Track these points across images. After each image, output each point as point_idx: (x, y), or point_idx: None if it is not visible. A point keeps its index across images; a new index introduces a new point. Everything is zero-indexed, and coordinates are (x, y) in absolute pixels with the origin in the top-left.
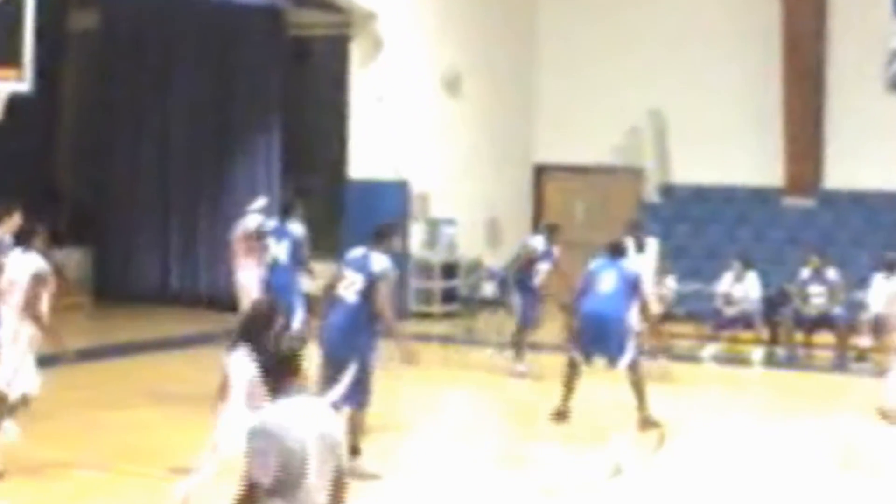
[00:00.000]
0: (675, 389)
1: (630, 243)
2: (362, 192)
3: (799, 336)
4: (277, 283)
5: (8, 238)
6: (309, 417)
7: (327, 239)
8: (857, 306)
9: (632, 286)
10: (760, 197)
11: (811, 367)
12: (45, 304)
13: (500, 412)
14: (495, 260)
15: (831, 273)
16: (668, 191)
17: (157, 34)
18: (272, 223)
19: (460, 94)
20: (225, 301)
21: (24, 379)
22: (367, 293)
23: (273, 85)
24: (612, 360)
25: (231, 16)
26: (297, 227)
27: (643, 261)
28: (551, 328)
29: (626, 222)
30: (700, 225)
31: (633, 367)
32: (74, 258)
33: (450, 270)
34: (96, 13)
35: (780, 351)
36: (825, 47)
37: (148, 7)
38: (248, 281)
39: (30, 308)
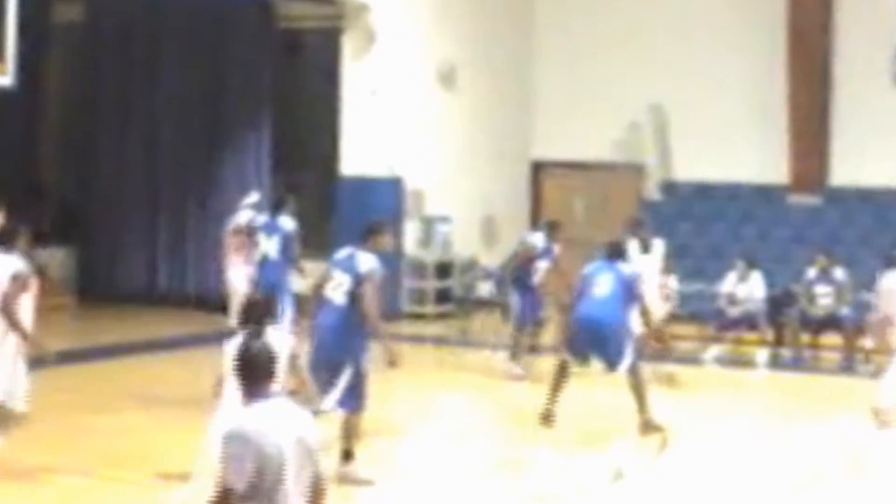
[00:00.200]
0: (677, 392)
1: (634, 244)
2: (355, 188)
3: (805, 337)
4: (267, 281)
5: None
6: (286, 422)
7: (318, 237)
8: (865, 307)
9: (629, 289)
10: (765, 194)
11: (818, 369)
12: (25, 307)
13: (496, 416)
14: (491, 259)
15: (838, 273)
16: (669, 188)
17: (144, 27)
18: (263, 218)
19: (456, 87)
20: (214, 301)
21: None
22: (356, 294)
23: (263, 79)
24: (611, 364)
25: (220, 8)
26: (287, 222)
27: (648, 262)
28: (549, 329)
29: (627, 221)
30: (703, 223)
31: (633, 371)
32: (58, 257)
33: (444, 270)
34: (81, 5)
35: (786, 353)
36: (832, 40)
37: None
38: (237, 278)
39: (6, 310)
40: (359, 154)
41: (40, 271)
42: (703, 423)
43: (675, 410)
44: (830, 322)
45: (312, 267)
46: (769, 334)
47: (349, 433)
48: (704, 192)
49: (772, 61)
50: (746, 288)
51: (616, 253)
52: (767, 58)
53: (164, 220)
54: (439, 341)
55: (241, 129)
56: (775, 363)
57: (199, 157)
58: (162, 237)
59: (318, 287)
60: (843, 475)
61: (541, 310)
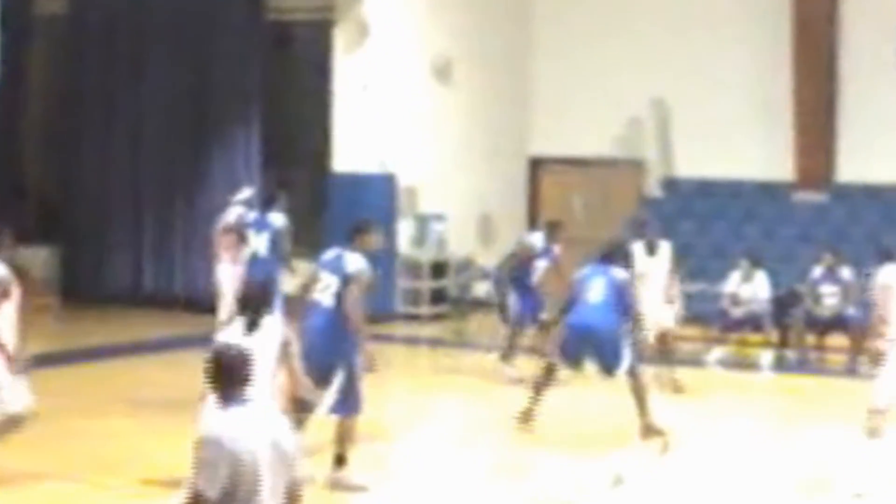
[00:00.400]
0: (679, 395)
1: (639, 246)
2: (347, 185)
3: (810, 338)
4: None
5: None
6: (261, 427)
7: (309, 235)
8: (872, 307)
9: (622, 294)
10: (769, 191)
11: (824, 371)
12: (5, 315)
13: (493, 419)
14: (488, 258)
15: (845, 272)
16: (671, 185)
17: (130, 19)
18: (252, 215)
19: (451, 81)
20: (202, 302)
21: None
22: (344, 295)
23: (252, 73)
24: (608, 368)
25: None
26: (278, 219)
27: (655, 265)
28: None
29: (630, 222)
30: (705, 221)
31: (632, 373)
32: (41, 257)
33: (439, 269)
34: None
35: (791, 354)
36: (838, 32)
37: None
38: (224, 278)
39: None
40: (351, 150)
41: (21, 274)
42: (706, 427)
43: (678, 413)
44: (837, 323)
45: (304, 266)
46: (774, 335)
47: (343, 437)
48: (707, 189)
49: (776, 54)
50: (750, 288)
51: (609, 256)
52: (771, 50)
53: (150, 219)
54: (434, 343)
55: (229, 124)
56: (780, 365)
57: (186, 154)
58: (148, 236)
59: (306, 289)
60: (849, 480)
61: (542, 311)
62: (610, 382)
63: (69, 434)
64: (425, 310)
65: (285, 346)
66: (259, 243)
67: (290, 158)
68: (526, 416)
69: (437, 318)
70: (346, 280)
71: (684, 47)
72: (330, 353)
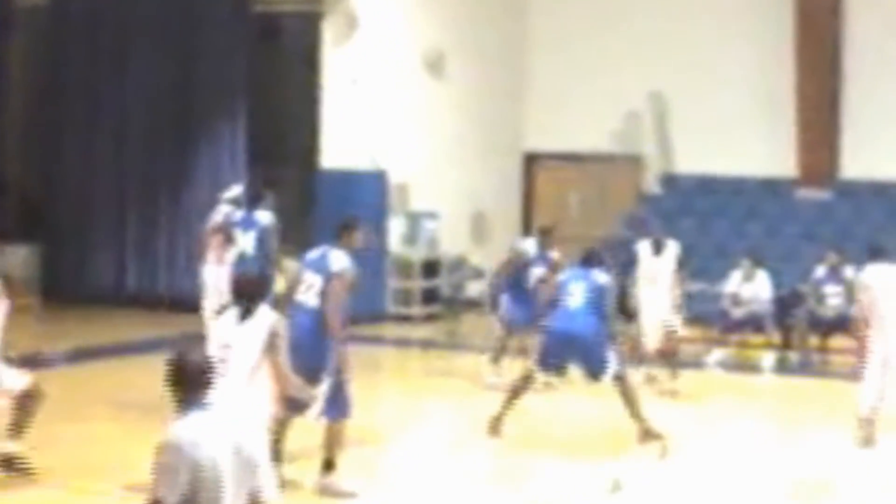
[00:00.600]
0: (678, 398)
1: (645, 245)
2: (336, 182)
3: (814, 340)
4: None
5: None
6: (223, 433)
7: (298, 234)
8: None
9: (602, 298)
10: (771, 188)
11: (827, 373)
12: None
13: (486, 424)
14: (481, 257)
15: (849, 271)
16: (670, 181)
17: (113, 11)
18: (240, 214)
19: (443, 75)
20: (187, 302)
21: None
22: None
23: (238, 67)
24: (594, 374)
25: None
26: (265, 216)
27: (660, 265)
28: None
29: (629, 220)
30: (706, 219)
31: (620, 379)
32: (21, 256)
33: (431, 269)
34: None
35: (793, 356)
36: (842, 25)
37: None
38: (209, 279)
39: None
40: (340, 146)
41: (6, 276)
42: (706, 431)
43: (677, 417)
44: (841, 324)
45: (292, 266)
46: (776, 337)
47: (332, 442)
48: (707, 185)
49: (779, 47)
50: (752, 288)
51: (591, 259)
52: (774, 43)
53: (133, 217)
54: (426, 345)
55: (214, 120)
56: (782, 367)
57: (170, 150)
58: (131, 234)
59: (291, 289)
60: (855, 484)
61: (535, 317)
62: (606, 386)
63: (51, 438)
64: (417, 310)
65: (273, 336)
66: (246, 242)
67: (277, 155)
68: (495, 424)
69: (428, 319)
70: (329, 279)
71: (683, 39)
72: (316, 354)
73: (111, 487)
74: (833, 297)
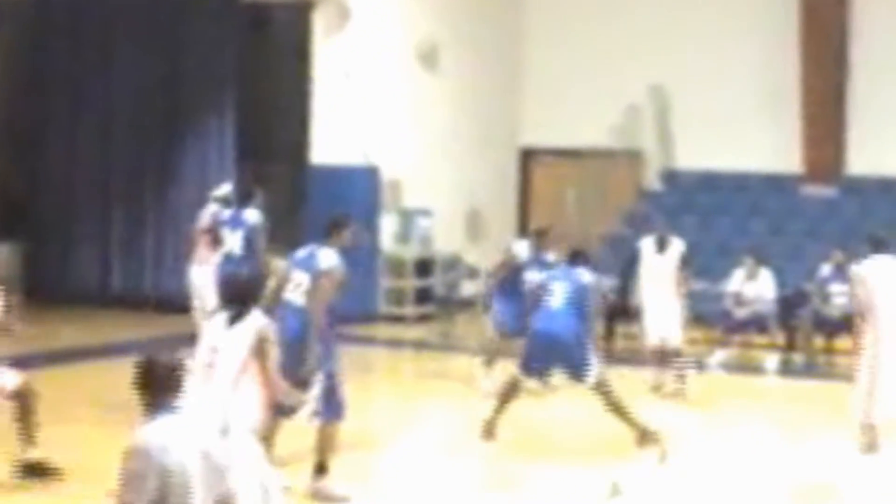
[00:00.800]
0: (678, 400)
1: (648, 242)
2: (327, 179)
3: (819, 341)
4: None
5: None
6: (191, 437)
7: (288, 231)
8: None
9: (585, 298)
10: (776, 185)
11: (832, 375)
12: None
13: (480, 427)
14: (476, 256)
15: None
16: (671, 177)
17: (98, 3)
18: (228, 212)
19: (437, 68)
20: (173, 302)
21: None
22: None
23: (226, 59)
24: (577, 376)
25: None
26: (253, 215)
27: (663, 263)
28: None
29: (635, 218)
30: (708, 216)
31: (601, 387)
32: (3, 254)
33: (425, 267)
34: None
35: (798, 357)
36: (848, 17)
37: None
38: (197, 279)
39: None
40: (331, 141)
41: None
42: (708, 434)
43: (678, 420)
44: (847, 324)
45: (281, 265)
46: (780, 337)
47: (324, 445)
48: (710, 182)
49: (783, 40)
50: (755, 287)
51: (577, 258)
52: (779, 36)
53: (119, 214)
54: (419, 346)
55: (202, 114)
56: (786, 369)
57: (156, 146)
58: (117, 232)
59: (279, 289)
60: (860, 489)
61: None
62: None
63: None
64: (410, 310)
65: (261, 341)
66: (234, 241)
67: (266, 150)
68: (488, 430)
69: (422, 319)
70: (318, 277)
71: (685, 31)
72: (304, 354)
73: (99, 492)
74: (839, 296)
